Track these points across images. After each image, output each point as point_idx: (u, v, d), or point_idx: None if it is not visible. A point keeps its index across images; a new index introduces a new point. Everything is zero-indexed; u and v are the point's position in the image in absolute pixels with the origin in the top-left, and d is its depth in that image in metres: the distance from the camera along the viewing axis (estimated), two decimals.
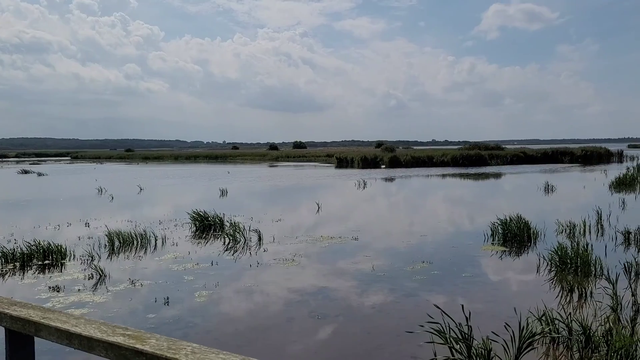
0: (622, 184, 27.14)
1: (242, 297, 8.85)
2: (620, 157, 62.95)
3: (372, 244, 13.49)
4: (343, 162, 65.19)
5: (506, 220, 13.75)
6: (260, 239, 13.97)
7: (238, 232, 14.12)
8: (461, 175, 40.51)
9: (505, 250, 12.14)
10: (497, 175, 40.19)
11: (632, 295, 7.95)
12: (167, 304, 8.43)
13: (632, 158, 62.40)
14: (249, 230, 14.23)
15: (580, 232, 13.83)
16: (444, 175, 40.87)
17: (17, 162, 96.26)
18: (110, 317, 7.77)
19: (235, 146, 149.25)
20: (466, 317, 5.53)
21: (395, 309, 8.00)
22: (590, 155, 61.31)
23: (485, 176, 39.81)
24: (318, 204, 20.75)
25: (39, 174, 48.96)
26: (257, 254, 12.21)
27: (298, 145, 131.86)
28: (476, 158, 56.92)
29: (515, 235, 13.26)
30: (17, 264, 11.43)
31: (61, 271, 10.93)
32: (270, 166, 65.81)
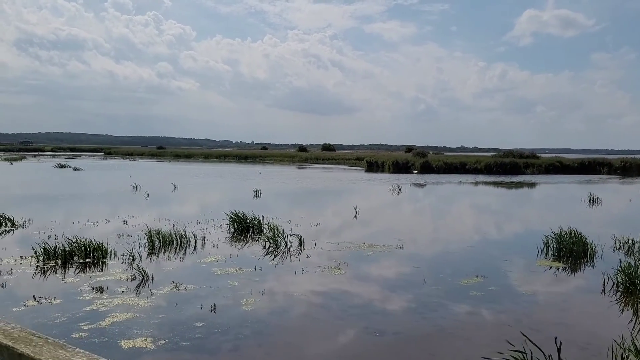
0: None
1: (290, 306, 8.45)
2: None
3: (419, 253, 12.97)
4: (373, 166, 64.54)
5: (560, 233, 13.06)
6: (301, 244, 13.58)
7: (279, 236, 13.76)
8: (496, 184, 39.52)
9: (563, 267, 11.47)
10: (535, 185, 39.08)
11: None
12: (214, 312, 8.09)
13: None
14: (290, 235, 13.84)
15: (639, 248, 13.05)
16: (479, 183, 39.94)
17: (53, 156, 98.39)
18: (156, 324, 7.46)
19: (264, 147, 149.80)
20: (557, 349, 5.00)
21: (457, 328, 7.49)
22: (630, 167, 59.16)
23: (523, 185, 38.74)
24: (355, 209, 20.29)
25: (75, 169, 49.70)
26: (300, 260, 11.82)
27: (327, 147, 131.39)
28: (510, 166, 55.60)
29: (570, 251, 12.56)
30: (59, 261, 11.28)
31: (102, 270, 10.72)
32: (299, 168, 65.59)
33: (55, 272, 10.57)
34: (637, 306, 8.52)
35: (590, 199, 25.03)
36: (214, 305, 8.31)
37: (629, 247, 13.23)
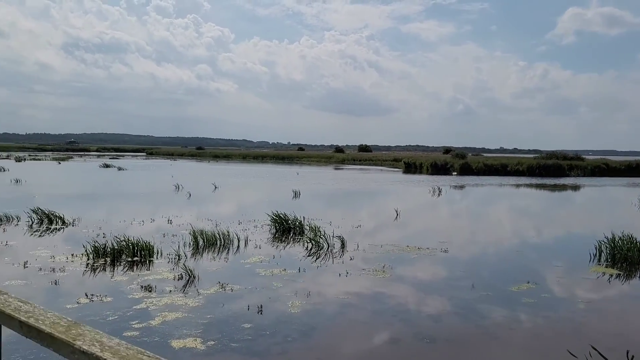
0: None
1: (336, 310, 8.36)
2: None
3: (464, 257, 12.69)
4: (411, 167, 63.93)
5: (613, 238, 12.55)
6: (343, 245, 13.49)
7: (320, 237, 13.70)
8: (539, 186, 38.48)
9: (618, 274, 11.01)
10: (580, 188, 37.88)
11: None
12: (261, 313, 8.08)
13: None
14: (332, 236, 13.76)
15: None
16: (520, 185, 38.98)
17: (98, 156, 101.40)
18: (205, 324, 7.50)
19: (300, 147, 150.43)
20: None
21: (512, 336, 7.25)
22: None
23: (567, 188, 37.62)
24: (396, 211, 20.05)
25: (119, 169, 51.02)
26: (343, 262, 11.72)
27: (363, 148, 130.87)
28: (554, 168, 54.09)
29: (625, 257, 12.05)
30: (108, 259, 11.52)
31: (149, 269, 10.88)
32: (336, 169, 65.51)
33: (105, 270, 10.79)
34: None
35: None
36: (261, 306, 8.29)
37: None
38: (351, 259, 12.09)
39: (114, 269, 10.92)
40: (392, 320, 7.94)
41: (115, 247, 11.89)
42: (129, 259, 11.62)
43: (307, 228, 15.80)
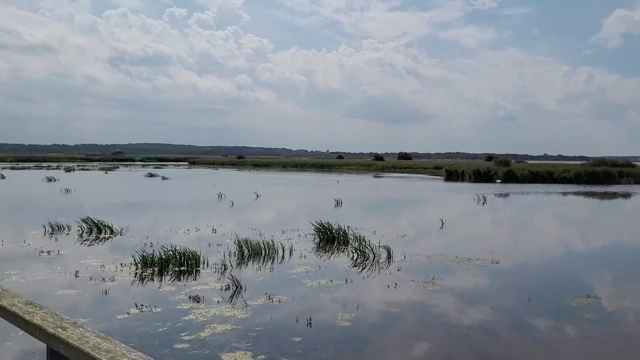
0: None
1: (387, 323, 8.13)
2: None
3: (516, 269, 12.23)
4: (453, 175, 62.78)
5: None
6: (390, 256, 13.22)
7: (366, 247, 13.47)
8: (589, 194, 37.07)
9: None
10: (632, 195, 36.24)
11: None
12: (310, 326, 7.92)
13: None
14: (378, 246, 13.51)
15: None
16: (569, 193, 37.67)
17: (143, 165, 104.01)
18: (254, 337, 7.39)
19: (340, 155, 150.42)
20: None
21: (578, 356, 6.85)
22: None
23: (619, 196, 36.09)
24: (442, 220, 19.60)
25: (163, 178, 52.10)
26: (390, 273, 11.46)
27: (403, 156, 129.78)
28: (603, 175, 52.04)
29: None
30: (156, 269, 11.61)
31: (195, 279, 10.90)
32: (376, 177, 65.05)
33: (153, 280, 10.87)
34: None
35: None
36: (310, 319, 8.13)
37: None
38: (398, 269, 11.82)
39: (161, 278, 10.99)
40: (445, 335, 7.65)
41: (163, 257, 11.98)
42: (176, 269, 11.69)
43: (352, 237, 15.62)
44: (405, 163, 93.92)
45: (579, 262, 13.12)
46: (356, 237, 15.35)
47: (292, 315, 8.42)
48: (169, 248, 12.32)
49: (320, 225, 16.19)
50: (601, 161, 61.16)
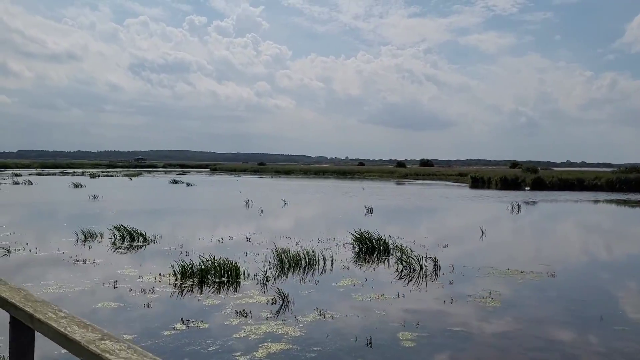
0: None
1: (453, 344, 7.48)
2: None
3: (576, 282, 11.49)
4: (478, 182, 61.69)
5: None
6: (437, 267, 12.57)
7: (411, 258, 12.84)
8: (625, 202, 35.83)
9: None
10: None
11: None
12: (370, 346, 7.32)
13: None
14: (424, 258, 12.86)
15: None
16: (604, 201, 36.47)
17: (165, 172, 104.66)
18: (313, 358, 6.83)
19: (361, 162, 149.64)
20: None
21: None
22: None
23: None
24: (482, 229, 18.86)
25: (188, 184, 52.03)
26: (443, 287, 10.81)
27: (425, 162, 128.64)
28: (636, 182, 50.51)
29: None
30: (196, 280, 11.14)
31: (237, 291, 10.40)
32: (399, 184, 64.21)
33: (193, 292, 10.40)
34: None
35: None
36: (370, 338, 7.54)
37: None
38: (450, 282, 11.15)
39: (202, 290, 10.51)
40: (516, 356, 6.99)
41: (202, 267, 11.51)
42: (216, 280, 11.20)
43: (392, 247, 15.01)
44: (427, 170, 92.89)
45: (638, 276, 12.30)
46: (397, 247, 14.73)
47: (348, 333, 7.84)
48: (208, 258, 11.85)
49: (359, 235, 15.61)
50: (633, 168, 59.47)
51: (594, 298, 10.30)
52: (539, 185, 52.56)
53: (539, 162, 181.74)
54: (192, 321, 8.30)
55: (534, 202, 35.09)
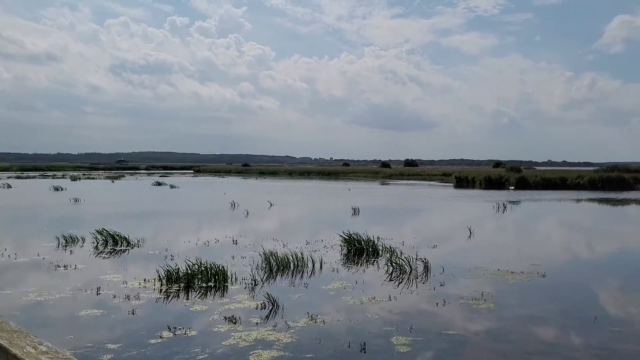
0: None
1: (449, 348, 7.30)
2: None
3: (569, 283, 11.40)
4: (463, 182, 61.91)
5: None
6: (428, 269, 12.42)
7: (401, 260, 12.66)
8: (608, 201, 36.18)
9: None
10: None
11: None
12: (364, 352, 7.12)
13: None
14: (414, 259, 12.70)
15: None
16: (587, 200, 36.79)
17: (148, 174, 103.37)
18: None
19: (345, 163, 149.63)
20: None
21: None
22: None
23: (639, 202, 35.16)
24: (470, 229, 18.80)
25: (171, 186, 51.35)
26: (434, 289, 10.64)
27: (409, 163, 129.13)
28: (617, 181, 51.16)
29: None
30: (182, 285, 10.82)
31: (225, 296, 10.12)
32: (383, 184, 64.21)
33: (179, 297, 10.09)
34: None
35: None
36: (363, 344, 7.33)
37: None
38: (441, 284, 11.00)
39: (188, 295, 10.21)
40: None
41: (189, 272, 11.20)
42: (203, 285, 10.91)
43: (381, 249, 14.85)
44: (412, 170, 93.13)
45: (626, 273, 12.27)
46: (386, 248, 14.58)
47: (341, 338, 7.62)
48: (194, 262, 11.56)
49: (347, 236, 15.41)
50: (614, 167, 60.32)
51: (586, 298, 10.23)
52: (523, 184, 52.91)
53: (521, 161, 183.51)
54: (179, 328, 8.01)
55: (519, 202, 35.24)
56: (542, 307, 9.35)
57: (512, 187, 52.17)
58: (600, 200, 36.47)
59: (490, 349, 7.24)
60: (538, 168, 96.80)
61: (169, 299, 9.98)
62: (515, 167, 68.00)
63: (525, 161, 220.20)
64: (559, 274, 12.10)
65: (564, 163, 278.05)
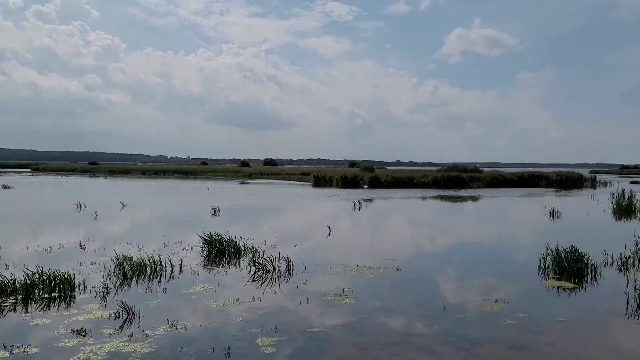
0: (626, 211, 26.90)
1: (316, 347, 7.36)
2: (593, 182, 63.81)
3: (420, 275, 12.20)
4: (321, 181, 63.97)
5: (557, 250, 12.69)
6: (290, 267, 12.51)
7: (265, 260, 12.59)
8: (449, 198, 39.84)
9: (574, 287, 11.01)
10: (484, 198, 39.65)
11: None
12: (229, 355, 6.89)
13: (604, 183, 63.47)
14: (277, 258, 12.70)
15: (633, 265, 12.93)
16: (432, 197, 40.10)
17: None
18: None
19: (204, 162, 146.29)
20: None
21: None
22: (566, 180, 61.97)
23: (478, 199, 39.23)
24: (329, 227, 19.39)
25: (4, 187, 45.78)
26: (297, 287, 10.73)
27: (269, 162, 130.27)
28: (457, 180, 56.64)
29: (571, 268, 12.17)
30: (19, 297, 9.62)
31: (71, 306, 9.21)
32: (243, 183, 64.00)
33: (16, 311, 8.96)
34: None
35: (551, 213, 25.38)
36: (228, 348, 7.10)
37: (622, 262, 13.10)
38: (304, 282, 11.13)
39: (27, 308, 9.10)
40: (381, 355, 7.10)
41: (27, 282, 9.99)
42: (46, 296, 9.81)
43: (243, 248, 14.66)
44: (271, 169, 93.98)
45: (471, 265, 13.48)
46: (248, 248, 14.43)
47: (204, 344, 7.30)
48: (33, 271, 10.35)
49: (208, 237, 14.95)
50: (454, 167, 66.61)
51: (436, 289, 11.04)
52: (376, 183, 56.19)
53: (373, 161, 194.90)
54: (18, 346, 7.08)
55: (372, 200, 37.25)
56: (397, 299, 9.88)
57: (367, 186, 55.09)
58: (442, 198, 39.95)
59: (350, 343, 7.44)
60: (389, 168, 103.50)
61: (4, 313, 8.80)
62: (368, 166, 71.88)
63: (377, 161, 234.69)
64: (411, 268, 12.91)
65: (411, 163, 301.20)
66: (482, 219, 26.60)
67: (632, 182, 66.05)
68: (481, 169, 68.25)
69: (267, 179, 76.58)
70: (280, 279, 11.52)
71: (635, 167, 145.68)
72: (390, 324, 8.35)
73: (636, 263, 13.07)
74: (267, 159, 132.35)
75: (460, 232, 21.15)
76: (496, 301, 9.61)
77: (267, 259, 12.61)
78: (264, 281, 11.41)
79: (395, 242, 17.97)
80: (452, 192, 45.66)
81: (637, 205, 28.41)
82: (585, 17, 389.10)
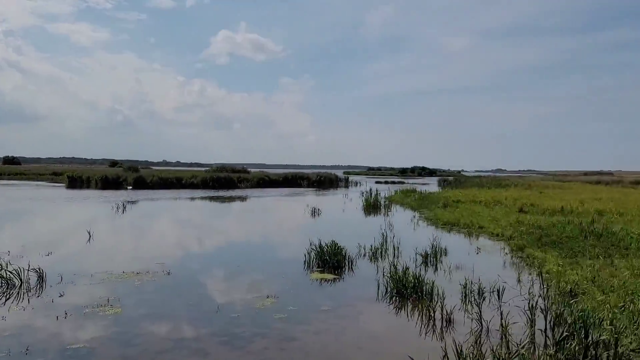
0: (373, 207, 30.70)
1: None
2: (346, 182, 71.80)
3: (192, 278, 11.91)
4: (77, 182, 58.33)
5: (320, 245, 13.77)
6: (43, 279, 11.01)
7: (8, 272, 10.83)
8: (218, 198, 40.18)
9: (334, 278, 12.05)
10: (255, 198, 41.10)
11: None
12: None
13: (355, 183, 71.93)
14: (25, 270, 11.04)
15: (381, 254, 14.77)
16: (201, 198, 39.92)
17: None
18: None
19: None
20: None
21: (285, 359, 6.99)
22: (324, 180, 68.28)
23: (244, 199, 40.30)
24: (89, 232, 17.71)
25: None
26: (52, 301, 9.49)
27: (9, 160, 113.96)
28: (226, 181, 57.51)
29: (331, 261, 13.32)
30: None
31: None
32: None
33: None
34: (420, 307, 9.47)
35: (312, 210, 27.50)
36: None
37: (372, 253, 14.84)
38: (60, 295, 9.92)
39: None
40: None
41: None
42: None
43: None
44: (13, 169, 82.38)
45: (239, 263, 13.70)
46: None
47: None
48: None
49: None
50: (222, 168, 67.44)
51: (209, 290, 10.92)
52: (141, 184, 53.54)
53: (137, 161, 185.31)
54: None
55: (137, 201, 35.32)
56: (169, 304, 9.48)
57: (130, 187, 52.09)
58: (212, 198, 40.03)
59: (118, 356, 6.87)
60: (155, 168, 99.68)
61: None
62: (132, 166, 68.14)
63: (142, 161, 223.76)
64: (182, 271, 12.55)
65: (178, 163, 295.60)
66: (250, 219, 27.41)
67: (377, 182, 76.94)
68: (249, 169, 70.64)
69: (7, 179, 66.66)
70: (30, 294, 10.07)
71: (379, 168, 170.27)
72: (162, 331, 7.95)
73: (383, 253, 14.97)
74: (7, 157, 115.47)
75: (230, 232, 21.43)
76: (267, 297, 9.96)
77: (12, 271, 10.88)
78: (10, 297, 9.85)
79: (164, 245, 17.29)
80: (221, 193, 46.12)
81: (381, 202, 32.76)
82: (339, 32, 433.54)
